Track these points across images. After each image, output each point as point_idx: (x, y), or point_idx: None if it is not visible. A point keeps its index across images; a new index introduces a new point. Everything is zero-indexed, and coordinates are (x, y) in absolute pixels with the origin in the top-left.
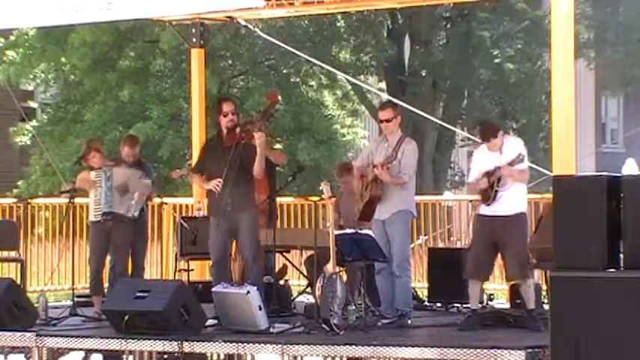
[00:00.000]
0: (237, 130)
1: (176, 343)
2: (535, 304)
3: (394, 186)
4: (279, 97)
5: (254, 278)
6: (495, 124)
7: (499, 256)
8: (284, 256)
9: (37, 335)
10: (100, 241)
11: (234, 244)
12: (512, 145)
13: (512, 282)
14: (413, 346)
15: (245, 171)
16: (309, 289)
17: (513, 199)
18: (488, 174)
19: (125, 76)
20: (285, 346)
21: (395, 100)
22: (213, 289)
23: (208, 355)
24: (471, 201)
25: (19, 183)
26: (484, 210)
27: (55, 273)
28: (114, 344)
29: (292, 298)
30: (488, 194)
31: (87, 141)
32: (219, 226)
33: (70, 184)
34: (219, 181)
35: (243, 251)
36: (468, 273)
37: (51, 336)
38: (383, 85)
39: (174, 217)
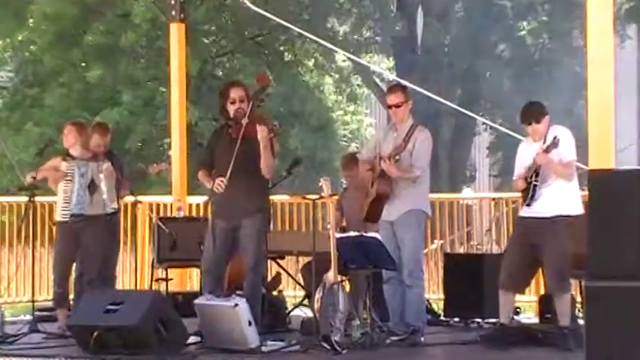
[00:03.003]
0: (245, 120)
1: None
2: (570, 320)
3: (404, 182)
4: (271, 79)
5: (249, 289)
6: (543, 107)
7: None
8: (277, 263)
9: None
10: (66, 244)
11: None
12: (557, 134)
13: (545, 294)
14: None
15: (252, 168)
16: (306, 302)
17: (554, 198)
18: (528, 168)
19: (92, 54)
20: None
21: (405, 83)
22: (196, 301)
23: None
24: (493, 199)
25: None
26: (523, 211)
27: (13, 283)
28: None
29: (287, 311)
30: (527, 191)
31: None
32: (218, 230)
33: (30, 177)
34: (222, 180)
35: (244, 258)
36: (500, 282)
37: (7, 355)
38: (391, 64)
39: (151, 218)
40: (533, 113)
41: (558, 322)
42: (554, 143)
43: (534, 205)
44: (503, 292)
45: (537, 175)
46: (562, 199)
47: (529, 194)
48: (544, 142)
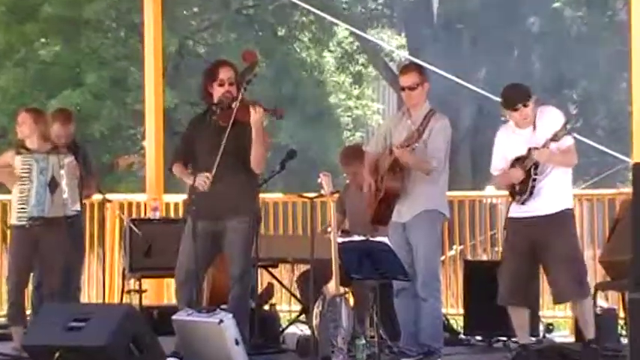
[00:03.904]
0: (235, 105)
1: None
2: (609, 337)
3: (418, 177)
4: (259, 57)
5: (235, 303)
6: (525, 87)
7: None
8: (269, 272)
9: None
10: (23, 251)
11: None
12: (550, 117)
13: (561, 303)
14: None
15: (241, 161)
16: (303, 317)
17: (557, 191)
18: (520, 160)
19: (50, 28)
20: None
21: (420, 62)
22: (175, 317)
23: None
24: None
25: None
26: (517, 211)
27: None
28: None
29: (281, 328)
30: (523, 187)
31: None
32: (198, 233)
33: None
34: (207, 176)
35: (230, 267)
36: (503, 298)
37: None
38: (403, 40)
39: (121, 219)
40: (520, 96)
41: (585, 335)
42: (566, 130)
43: (533, 203)
44: (512, 309)
45: (536, 167)
46: (563, 190)
47: (527, 191)
48: (534, 128)
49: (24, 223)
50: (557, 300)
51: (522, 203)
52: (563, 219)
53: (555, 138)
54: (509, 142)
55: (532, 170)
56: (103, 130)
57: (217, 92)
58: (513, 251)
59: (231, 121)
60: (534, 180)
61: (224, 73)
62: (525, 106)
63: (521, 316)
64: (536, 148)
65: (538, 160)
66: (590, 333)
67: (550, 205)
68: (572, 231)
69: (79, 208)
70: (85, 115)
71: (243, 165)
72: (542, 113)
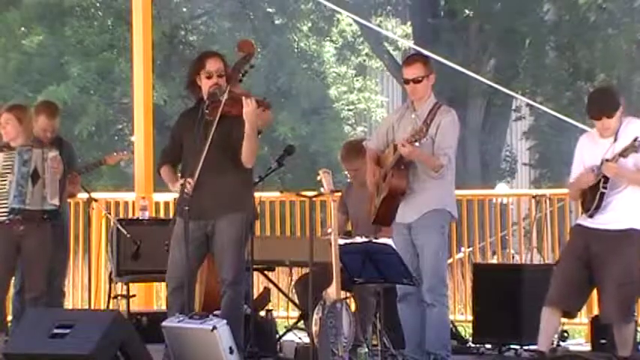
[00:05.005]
0: (224, 97)
1: None
2: (631, 350)
3: (425, 175)
4: (255, 47)
5: (228, 310)
6: (615, 96)
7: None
8: (265, 276)
9: None
10: (5, 252)
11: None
12: (633, 131)
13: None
14: None
15: (231, 156)
16: (301, 324)
17: (628, 208)
18: (594, 170)
19: (33, 17)
20: None
21: (426, 52)
22: (165, 324)
23: None
24: (534, 196)
25: None
26: (584, 219)
27: None
28: None
29: (278, 336)
30: (592, 200)
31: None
32: (188, 234)
33: None
34: (189, 182)
35: (220, 270)
36: (551, 300)
37: None
38: (408, 30)
39: (108, 219)
40: (605, 105)
41: (618, 352)
42: (635, 147)
43: (599, 217)
44: (549, 311)
45: (607, 181)
46: (635, 209)
47: (594, 203)
48: (615, 140)
49: (4, 218)
50: (602, 319)
51: (590, 216)
52: (627, 238)
53: (624, 154)
54: (588, 150)
55: (601, 183)
56: (89, 127)
57: (205, 85)
58: (572, 255)
59: (219, 114)
60: (602, 194)
61: (211, 65)
62: (609, 117)
63: (555, 322)
64: (607, 160)
65: (606, 174)
66: (624, 352)
67: (618, 221)
68: (634, 252)
69: (57, 203)
70: (72, 111)
71: (233, 161)
72: (627, 125)
